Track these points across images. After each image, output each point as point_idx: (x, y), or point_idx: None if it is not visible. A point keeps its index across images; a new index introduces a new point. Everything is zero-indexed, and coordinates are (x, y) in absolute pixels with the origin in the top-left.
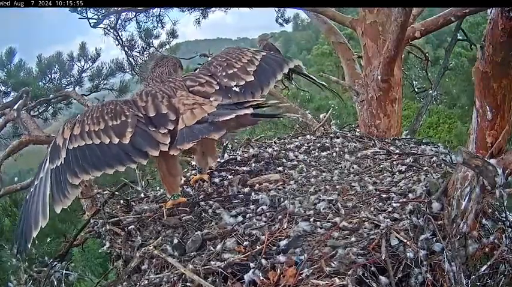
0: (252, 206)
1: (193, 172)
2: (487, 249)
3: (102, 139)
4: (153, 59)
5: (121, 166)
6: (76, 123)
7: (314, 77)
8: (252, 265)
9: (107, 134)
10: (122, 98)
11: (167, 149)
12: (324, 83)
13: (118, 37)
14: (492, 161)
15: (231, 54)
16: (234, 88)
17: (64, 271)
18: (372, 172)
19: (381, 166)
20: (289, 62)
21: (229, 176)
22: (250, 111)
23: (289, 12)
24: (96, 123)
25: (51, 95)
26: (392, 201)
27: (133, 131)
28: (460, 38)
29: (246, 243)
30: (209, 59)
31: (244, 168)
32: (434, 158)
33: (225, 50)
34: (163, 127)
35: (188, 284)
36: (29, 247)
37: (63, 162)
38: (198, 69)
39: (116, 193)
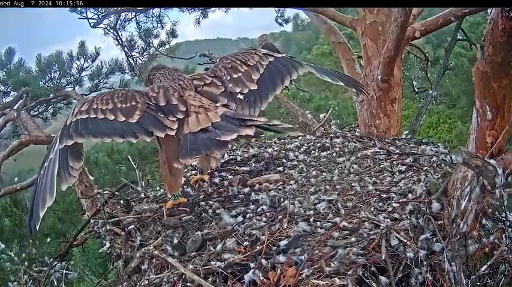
0: (252, 206)
1: (194, 172)
2: (487, 249)
3: (107, 116)
4: (152, 68)
5: (120, 139)
6: (86, 102)
7: (329, 79)
8: (252, 265)
9: (114, 113)
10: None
11: (174, 135)
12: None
13: (118, 37)
14: (492, 161)
15: (238, 56)
16: (239, 95)
17: (64, 271)
18: (372, 172)
19: (381, 166)
20: (293, 72)
21: (229, 176)
22: (252, 132)
23: (289, 12)
24: (104, 104)
25: (51, 95)
26: (393, 201)
27: (141, 114)
28: (460, 38)
29: (246, 243)
30: (217, 60)
31: (244, 168)
32: (434, 158)
33: (234, 51)
34: (172, 115)
35: (188, 284)
36: (37, 227)
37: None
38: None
39: (116, 193)
